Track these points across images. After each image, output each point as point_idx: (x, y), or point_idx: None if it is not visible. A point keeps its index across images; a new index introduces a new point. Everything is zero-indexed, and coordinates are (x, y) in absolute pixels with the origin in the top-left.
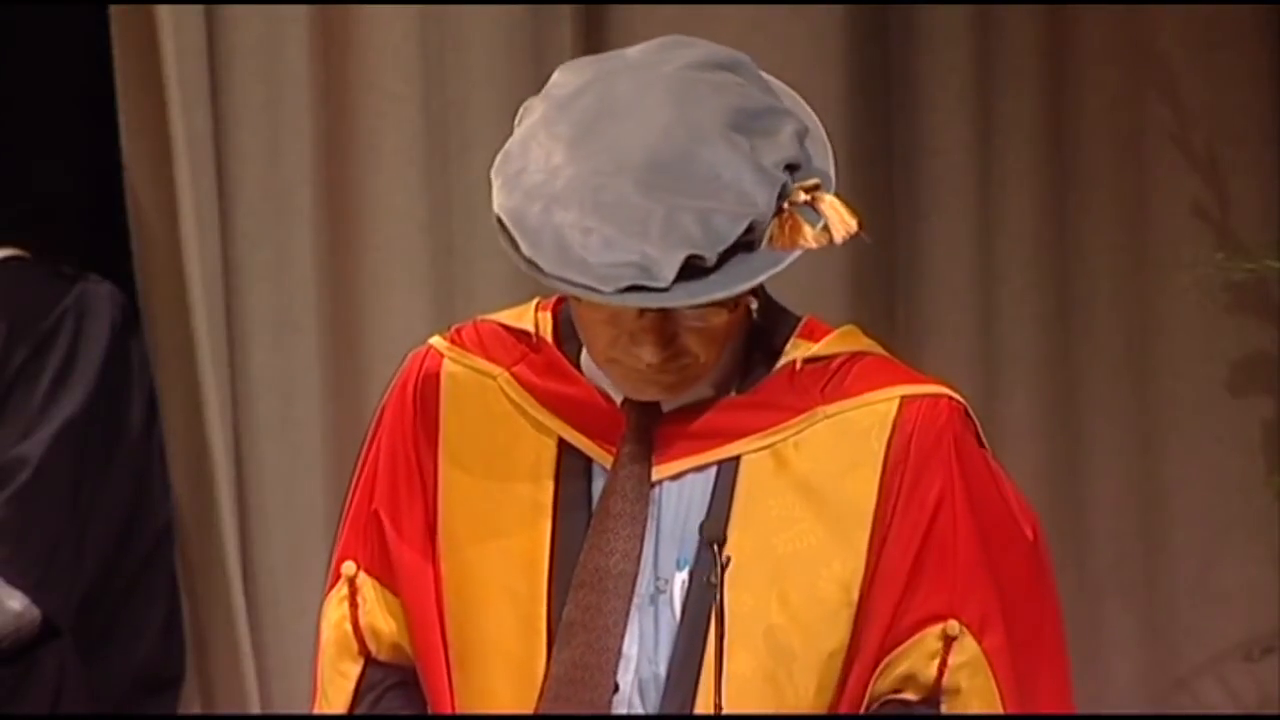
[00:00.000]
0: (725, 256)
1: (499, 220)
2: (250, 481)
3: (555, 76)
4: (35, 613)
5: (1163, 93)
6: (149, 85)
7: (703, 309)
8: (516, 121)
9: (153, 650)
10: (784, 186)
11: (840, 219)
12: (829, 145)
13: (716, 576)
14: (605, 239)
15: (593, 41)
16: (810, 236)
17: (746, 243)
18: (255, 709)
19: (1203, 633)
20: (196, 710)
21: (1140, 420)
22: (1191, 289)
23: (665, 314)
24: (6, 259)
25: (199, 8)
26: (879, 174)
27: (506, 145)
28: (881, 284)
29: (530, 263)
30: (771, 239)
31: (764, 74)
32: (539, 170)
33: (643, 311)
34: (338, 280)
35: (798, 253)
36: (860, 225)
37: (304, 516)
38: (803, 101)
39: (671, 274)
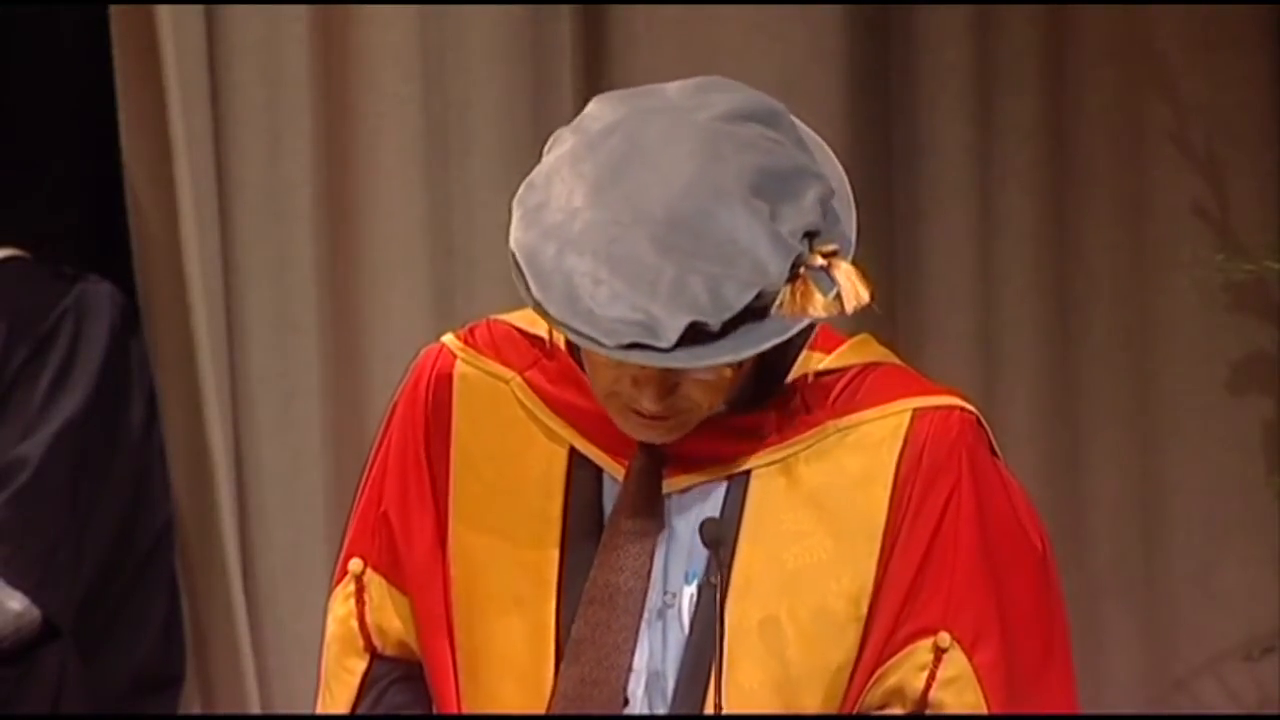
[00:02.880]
0: (732, 322)
1: (513, 255)
2: (250, 481)
3: (590, 108)
4: (35, 613)
5: (1163, 93)
6: (149, 85)
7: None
8: (546, 150)
9: (153, 650)
10: (799, 256)
11: (853, 289)
12: (853, 205)
13: (717, 577)
14: (614, 292)
15: (593, 41)
16: (820, 305)
17: (756, 310)
18: (255, 709)
19: (1203, 633)
20: (196, 710)
21: (1140, 420)
22: (1191, 289)
23: (666, 369)
24: (6, 259)
25: (199, 8)
26: (879, 174)
27: (531, 175)
28: (881, 285)
29: (538, 304)
30: (781, 305)
31: (797, 122)
32: (559, 209)
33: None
34: (338, 280)
35: (805, 321)
36: (872, 296)
37: (304, 516)
38: (832, 155)
39: (674, 336)
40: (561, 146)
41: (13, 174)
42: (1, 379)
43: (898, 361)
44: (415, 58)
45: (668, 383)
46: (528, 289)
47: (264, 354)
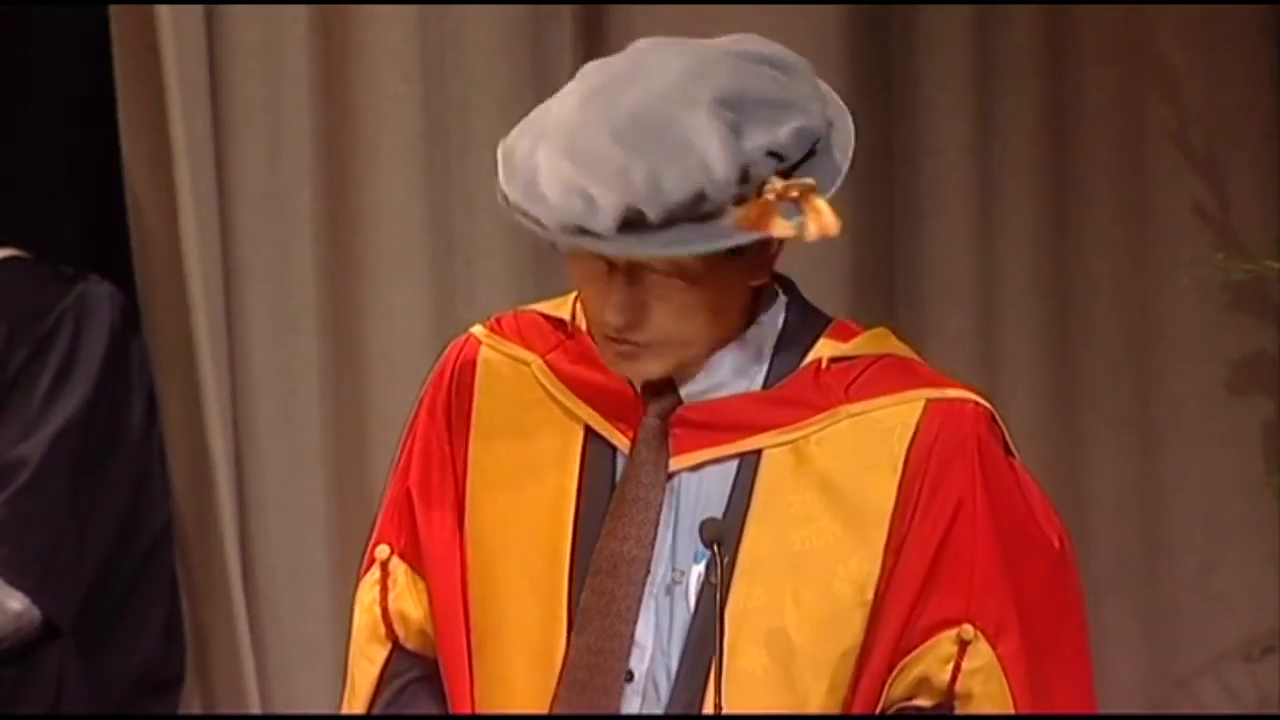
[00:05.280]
0: (674, 219)
1: (497, 155)
2: (250, 481)
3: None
4: (35, 613)
5: (1163, 93)
6: (149, 85)
7: (665, 280)
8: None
9: (153, 650)
10: (754, 168)
11: (819, 219)
12: (849, 152)
13: (717, 576)
14: (565, 179)
15: (593, 41)
16: (781, 226)
17: (702, 213)
18: (255, 709)
19: (1203, 633)
20: (196, 710)
21: (1140, 420)
22: (1191, 289)
23: (631, 278)
24: (6, 259)
25: (199, 8)
26: (879, 174)
27: None
28: (881, 284)
29: (503, 194)
30: (740, 220)
31: (821, 84)
32: (547, 110)
33: (611, 270)
34: (338, 280)
35: (754, 236)
36: (842, 231)
37: (304, 516)
38: (849, 118)
39: (610, 220)
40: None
41: (13, 174)
42: (1, 379)
43: (913, 355)
44: (415, 58)
45: (632, 298)
46: (499, 184)
47: (264, 354)
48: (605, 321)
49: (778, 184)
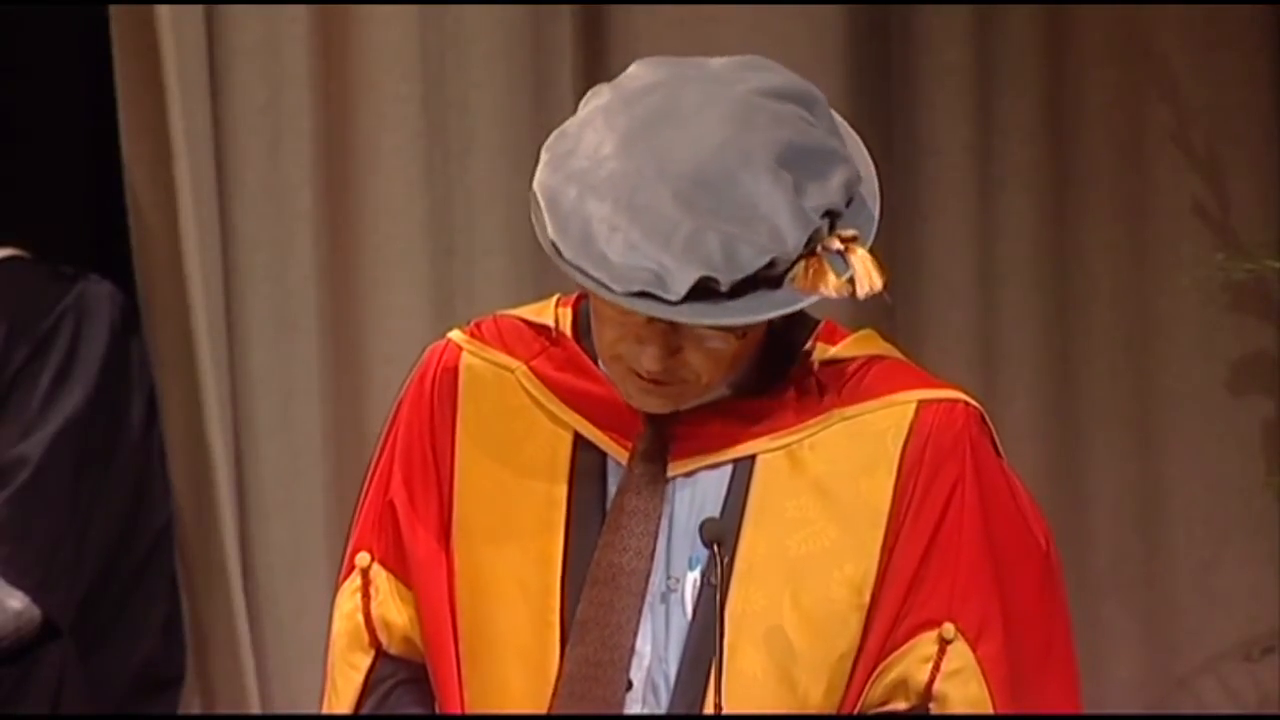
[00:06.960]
0: (742, 286)
1: (534, 195)
2: (250, 481)
3: (631, 68)
4: (35, 612)
5: (1163, 93)
6: (149, 85)
7: (705, 332)
8: (582, 103)
9: (153, 650)
10: (817, 231)
11: (867, 275)
12: (878, 197)
13: (717, 577)
14: (629, 240)
15: (593, 41)
16: (833, 285)
17: (767, 278)
18: (255, 709)
19: (1203, 633)
20: (196, 710)
21: (1140, 420)
22: (1191, 289)
23: (673, 325)
24: (6, 259)
25: (199, 8)
26: (879, 174)
27: (565, 125)
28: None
29: (553, 245)
30: (794, 279)
31: (833, 112)
32: (586, 157)
33: (651, 320)
34: (338, 280)
35: (815, 297)
36: (886, 285)
37: (304, 516)
38: (862, 145)
39: (683, 289)
40: (598, 99)
41: (13, 174)
42: (1, 379)
43: (901, 356)
44: (415, 58)
45: (670, 344)
46: (545, 230)
47: (264, 354)
48: (642, 365)
49: (833, 242)
